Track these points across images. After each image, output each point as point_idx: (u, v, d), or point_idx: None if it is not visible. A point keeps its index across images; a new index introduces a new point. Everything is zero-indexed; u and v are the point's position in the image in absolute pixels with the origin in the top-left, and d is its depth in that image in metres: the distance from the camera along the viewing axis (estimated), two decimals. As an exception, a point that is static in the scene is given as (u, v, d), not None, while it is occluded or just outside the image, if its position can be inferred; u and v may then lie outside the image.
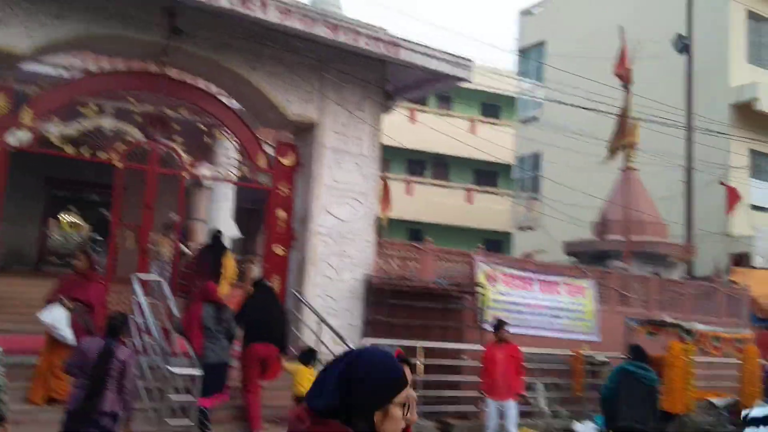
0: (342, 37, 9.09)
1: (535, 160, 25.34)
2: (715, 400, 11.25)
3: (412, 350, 9.53)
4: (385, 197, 11.63)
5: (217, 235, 9.42)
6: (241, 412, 7.74)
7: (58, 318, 6.86)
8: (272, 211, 9.71)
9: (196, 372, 6.67)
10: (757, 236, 17.72)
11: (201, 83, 9.84)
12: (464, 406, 9.93)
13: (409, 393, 1.74)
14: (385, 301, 9.80)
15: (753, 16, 19.81)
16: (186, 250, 10.94)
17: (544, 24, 25.08)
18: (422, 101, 27.57)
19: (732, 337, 10.68)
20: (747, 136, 18.86)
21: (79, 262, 7.42)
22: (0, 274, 12.92)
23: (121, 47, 9.18)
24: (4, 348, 7.00)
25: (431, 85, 10.80)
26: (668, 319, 11.07)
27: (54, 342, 7.04)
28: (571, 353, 11.37)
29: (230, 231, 17.29)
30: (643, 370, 7.50)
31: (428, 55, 9.77)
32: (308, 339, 8.82)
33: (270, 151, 10.20)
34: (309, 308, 9.18)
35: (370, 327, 9.71)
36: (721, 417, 11.13)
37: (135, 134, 8.94)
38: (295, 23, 8.66)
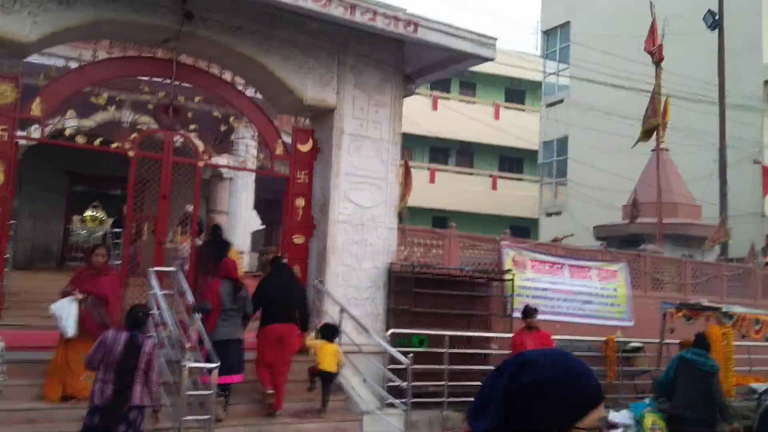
0: (358, 17, 8.74)
1: (561, 145, 24.82)
2: (756, 385, 10.78)
3: (438, 339, 9.24)
4: (407, 183, 11.30)
5: (217, 230, 9.22)
6: (258, 392, 7.64)
7: (64, 309, 6.67)
8: (290, 200, 9.44)
9: (213, 366, 6.43)
10: (795, 216, 17.06)
11: (215, 69, 9.58)
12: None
13: (600, 413, 1.29)
14: (409, 289, 9.50)
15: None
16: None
17: (569, 4, 24.46)
18: (444, 87, 27.14)
19: (773, 321, 10.19)
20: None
21: (98, 257, 7.23)
22: (24, 270, 12.91)
23: (131, 33, 8.95)
24: (20, 344, 6.88)
25: (453, 65, 10.40)
26: (706, 303, 10.61)
27: (70, 338, 6.87)
28: (603, 340, 10.96)
29: (252, 222, 17.15)
30: (702, 358, 7.43)
31: (449, 34, 9.38)
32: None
33: (288, 138, 9.93)
34: (331, 298, 8.91)
35: (394, 316, 9.41)
36: (761, 402, 10.66)
37: (148, 123, 8.72)
38: (309, 3, 8.34)
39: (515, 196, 26.53)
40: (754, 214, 17.78)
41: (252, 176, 15.00)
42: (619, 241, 15.80)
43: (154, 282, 7.50)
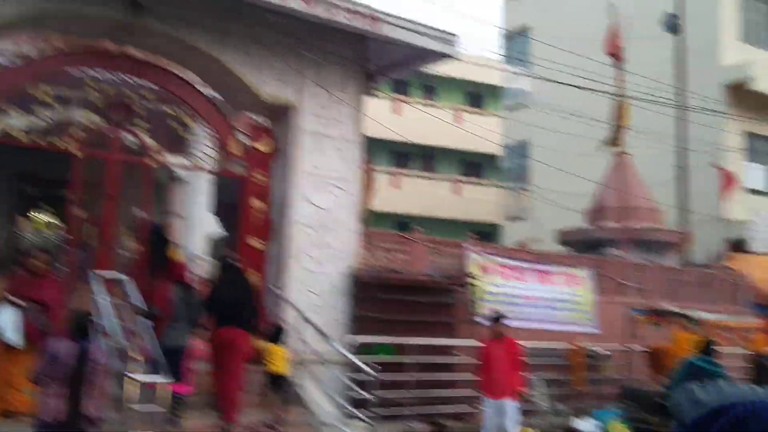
0: (318, 11, 8.39)
1: (523, 148, 24.79)
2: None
3: (402, 347, 8.89)
4: (369, 185, 10.95)
5: (157, 230, 8.79)
6: (214, 400, 7.27)
7: (3, 319, 6.15)
8: (247, 201, 9.01)
9: (162, 379, 5.98)
10: (755, 221, 17.22)
11: (169, 65, 9.08)
12: (459, 406, 9.30)
13: None
14: (373, 295, 9.14)
15: (745, -6, 19.32)
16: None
17: (530, 8, 24.48)
18: (405, 90, 26.93)
19: (739, 326, 10.12)
20: (741, 117, 18.39)
21: (37, 261, 6.74)
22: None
23: (78, 26, 8.40)
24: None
25: (416, 63, 10.15)
26: (673, 309, 10.50)
27: (9, 349, 6.36)
28: (570, 347, 10.75)
29: (211, 227, 16.55)
30: (710, 365, 7.22)
31: (412, 30, 9.10)
32: (290, 338, 8.13)
33: (246, 138, 9.49)
34: (290, 304, 8.49)
35: (357, 323, 9.03)
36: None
37: (94, 121, 8.20)
38: (266, -5, 7.95)
39: (478, 201, 26.41)
40: (716, 218, 17.91)
41: (210, 179, 14.45)
42: (582, 246, 15.70)
43: (98, 287, 6.99)
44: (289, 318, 8.32)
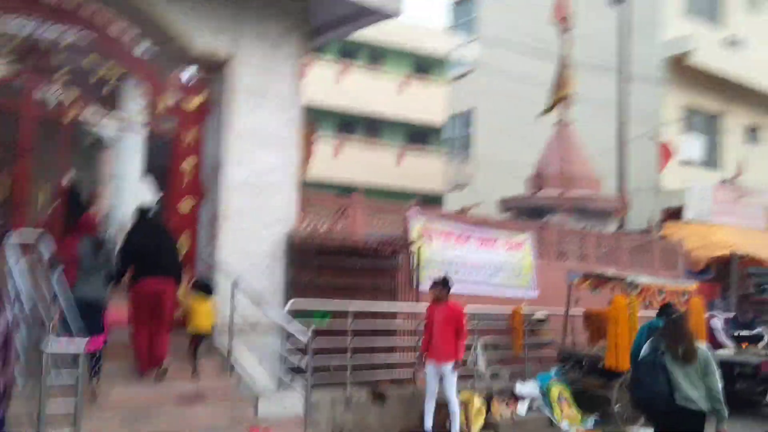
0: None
1: (467, 118, 24.68)
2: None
3: (341, 313, 8.63)
4: (309, 148, 10.56)
5: (75, 187, 8.28)
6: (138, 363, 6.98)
7: None
8: (177, 162, 8.50)
9: (80, 349, 5.53)
10: (690, 191, 17.59)
11: (90, 12, 8.41)
12: (399, 371, 9.14)
13: None
14: (310, 260, 8.81)
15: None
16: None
17: (476, -25, 24.20)
18: (351, 57, 26.38)
19: (677, 290, 10.25)
20: (681, 91, 18.66)
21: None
22: None
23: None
24: None
25: (360, 21, 9.69)
26: (611, 273, 10.55)
27: None
28: (510, 311, 10.71)
29: (145, 190, 15.86)
30: None
31: (355, -16, 8.68)
32: (223, 304, 7.75)
33: (177, 94, 8.93)
34: (222, 269, 8.09)
35: (294, 289, 8.70)
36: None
37: (6, 71, 7.53)
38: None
39: (422, 171, 26.22)
40: (652, 188, 18.21)
41: (142, 138, 13.77)
42: (524, 213, 15.73)
43: (11, 251, 6.45)
44: (221, 283, 7.92)
